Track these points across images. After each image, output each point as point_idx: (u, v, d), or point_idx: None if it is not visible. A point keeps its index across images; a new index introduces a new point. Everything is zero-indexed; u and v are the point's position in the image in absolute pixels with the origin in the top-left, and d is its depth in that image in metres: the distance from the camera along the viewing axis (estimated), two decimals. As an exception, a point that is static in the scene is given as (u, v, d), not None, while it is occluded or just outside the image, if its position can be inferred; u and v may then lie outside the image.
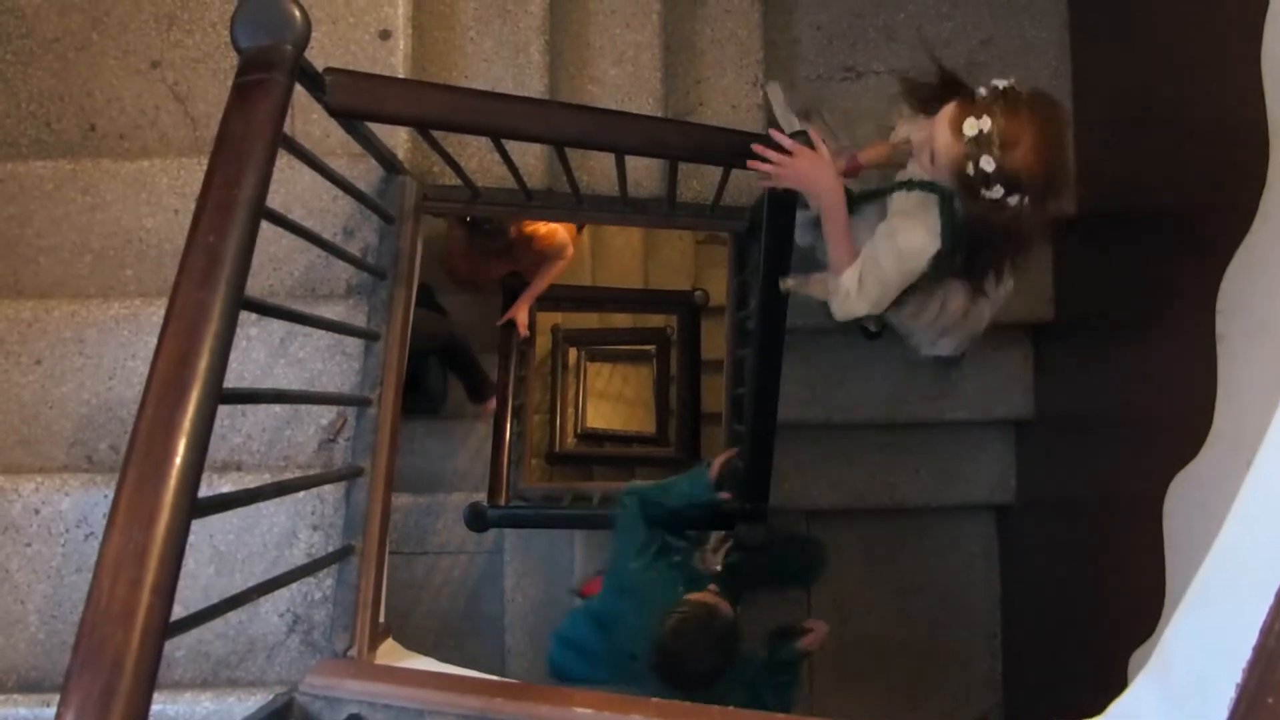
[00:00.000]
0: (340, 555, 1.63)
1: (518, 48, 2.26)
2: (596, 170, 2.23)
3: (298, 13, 1.29)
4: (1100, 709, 1.10)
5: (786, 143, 1.82)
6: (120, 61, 2.09)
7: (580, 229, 3.68)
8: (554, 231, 3.27)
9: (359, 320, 1.83)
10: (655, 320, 4.98)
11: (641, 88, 2.38)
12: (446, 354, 3.56)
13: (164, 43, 2.09)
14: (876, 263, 1.90)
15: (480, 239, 3.28)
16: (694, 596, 2.06)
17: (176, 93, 2.08)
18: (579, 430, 5.46)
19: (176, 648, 1.59)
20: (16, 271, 1.95)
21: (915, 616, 3.26)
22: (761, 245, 2.08)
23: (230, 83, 1.27)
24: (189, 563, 1.12)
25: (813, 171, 1.84)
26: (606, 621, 2.22)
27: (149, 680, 0.90)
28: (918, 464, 3.04)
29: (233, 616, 1.54)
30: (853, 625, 3.24)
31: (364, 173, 1.93)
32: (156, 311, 1.78)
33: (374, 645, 1.66)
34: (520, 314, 3.47)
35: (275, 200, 1.34)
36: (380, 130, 1.78)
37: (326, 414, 1.78)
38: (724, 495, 2.31)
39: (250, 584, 1.36)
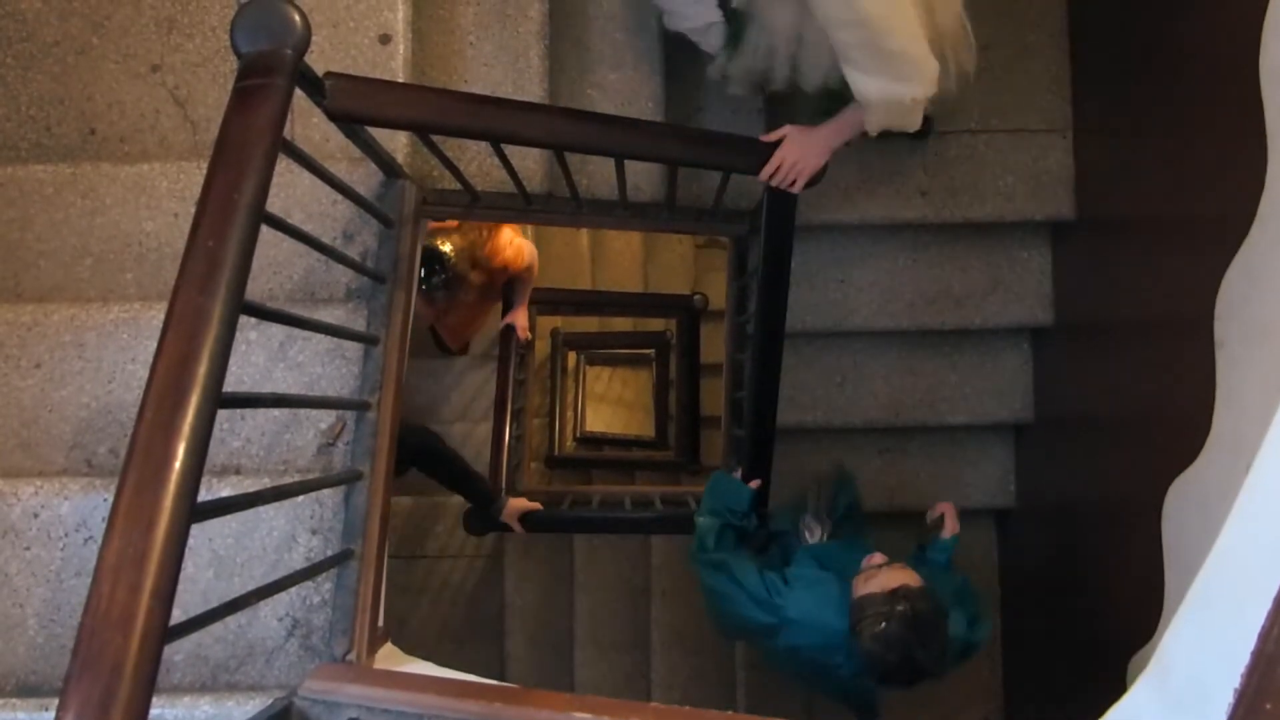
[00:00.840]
0: (339, 559, 1.63)
1: (517, 53, 2.26)
2: (596, 174, 2.23)
3: (298, 17, 1.30)
4: (1099, 713, 1.10)
5: (769, 140, 1.81)
6: (120, 65, 2.09)
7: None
8: (520, 250, 3.12)
9: (358, 324, 1.84)
10: (655, 324, 4.98)
11: (641, 92, 2.38)
12: (425, 466, 2.77)
13: (164, 47, 2.09)
14: (872, 46, 1.53)
15: (439, 295, 2.90)
16: (875, 582, 1.80)
17: (176, 97, 2.08)
18: (578, 434, 5.47)
19: (175, 652, 1.59)
20: (16, 275, 1.95)
21: (914, 620, 3.25)
22: (761, 249, 2.08)
23: (230, 87, 1.27)
24: (188, 567, 1.12)
25: (805, 141, 1.80)
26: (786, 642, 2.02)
27: (148, 685, 0.90)
28: (917, 468, 3.04)
29: (232, 621, 1.54)
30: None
31: (363, 177, 1.94)
32: (156, 315, 1.79)
33: (373, 649, 1.66)
34: (520, 319, 3.48)
35: (275, 204, 1.34)
36: (380, 134, 1.78)
37: (326, 418, 1.78)
38: (754, 484, 2.27)
39: (249, 588, 1.36)
